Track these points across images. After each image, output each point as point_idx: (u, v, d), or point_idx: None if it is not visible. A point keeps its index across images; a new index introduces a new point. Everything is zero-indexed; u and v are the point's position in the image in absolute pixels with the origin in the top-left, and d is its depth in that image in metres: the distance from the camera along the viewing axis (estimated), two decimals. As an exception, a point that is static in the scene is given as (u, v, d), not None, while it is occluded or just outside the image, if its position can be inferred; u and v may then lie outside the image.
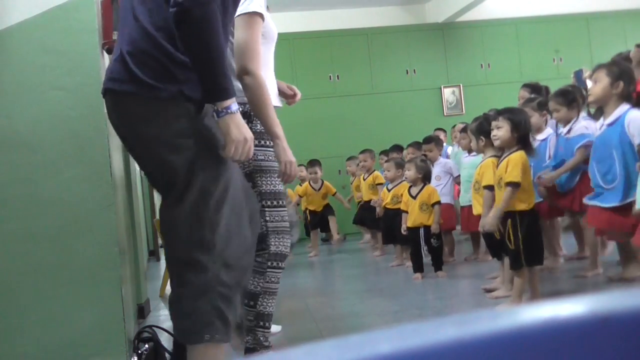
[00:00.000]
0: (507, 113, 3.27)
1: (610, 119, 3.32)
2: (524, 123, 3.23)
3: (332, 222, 6.81)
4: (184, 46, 1.63)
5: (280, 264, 2.55)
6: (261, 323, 2.56)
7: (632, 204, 3.16)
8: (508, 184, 3.10)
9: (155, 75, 1.67)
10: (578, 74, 4.71)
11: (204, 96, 1.68)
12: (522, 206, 3.13)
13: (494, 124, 3.29)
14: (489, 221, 3.20)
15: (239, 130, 1.68)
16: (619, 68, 3.36)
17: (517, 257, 3.12)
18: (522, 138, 3.21)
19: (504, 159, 3.22)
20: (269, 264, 2.52)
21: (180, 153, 1.69)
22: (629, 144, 3.23)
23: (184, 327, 1.71)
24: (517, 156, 3.15)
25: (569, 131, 3.81)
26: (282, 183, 2.54)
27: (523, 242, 3.10)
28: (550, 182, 3.79)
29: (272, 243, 2.52)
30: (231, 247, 1.73)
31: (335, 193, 6.82)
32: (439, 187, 4.92)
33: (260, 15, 2.39)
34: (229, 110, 1.67)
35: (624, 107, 3.28)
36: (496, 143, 3.27)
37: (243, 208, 1.80)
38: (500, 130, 3.22)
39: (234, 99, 1.70)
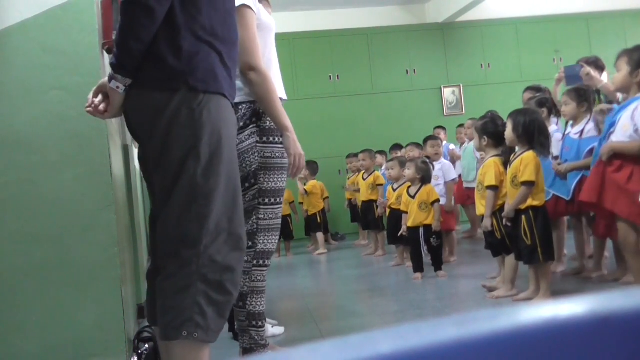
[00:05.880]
0: (513, 114, 3.34)
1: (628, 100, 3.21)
2: (525, 123, 3.25)
3: (320, 238, 6.83)
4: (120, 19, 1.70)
5: (265, 262, 2.54)
6: (253, 322, 2.55)
7: None
8: (524, 183, 3.19)
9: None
10: (573, 70, 3.94)
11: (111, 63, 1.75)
12: (534, 202, 3.22)
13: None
14: (505, 213, 3.30)
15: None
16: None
17: (533, 253, 3.19)
18: (527, 137, 3.25)
19: (516, 157, 3.31)
20: (255, 262, 2.51)
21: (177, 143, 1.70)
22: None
23: (165, 321, 1.66)
24: (529, 155, 3.24)
25: (581, 132, 3.75)
26: (291, 176, 2.53)
27: (539, 238, 3.18)
28: (566, 171, 3.74)
29: (260, 241, 2.51)
30: (218, 243, 1.70)
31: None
32: (437, 188, 4.93)
33: (249, 7, 2.38)
34: (110, 83, 1.71)
35: None
36: (507, 142, 3.42)
37: (237, 206, 1.78)
38: (506, 130, 3.37)
39: (124, 79, 1.70)
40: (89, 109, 1.78)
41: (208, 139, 1.70)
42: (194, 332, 1.63)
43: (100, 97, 1.78)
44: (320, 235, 6.78)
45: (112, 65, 1.73)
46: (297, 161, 2.41)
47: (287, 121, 2.40)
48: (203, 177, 1.69)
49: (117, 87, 1.72)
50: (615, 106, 3.49)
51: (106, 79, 1.76)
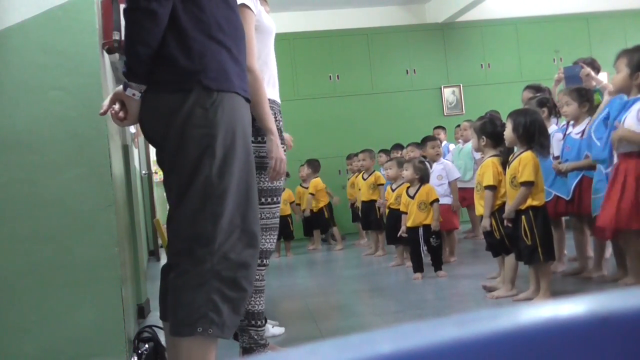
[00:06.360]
0: (513, 114, 3.35)
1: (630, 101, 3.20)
2: (525, 123, 3.25)
3: (336, 233, 7.04)
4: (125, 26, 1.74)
5: (264, 261, 2.54)
6: (252, 322, 2.55)
7: None
8: (523, 183, 3.20)
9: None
10: (573, 70, 3.90)
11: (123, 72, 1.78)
12: (534, 202, 3.22)
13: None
14: (506, 214, 3.30)
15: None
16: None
17: (533, 253, 3.19)
18: (527, 138, 3.25)
19: (515, 158, 3.31)
20: None
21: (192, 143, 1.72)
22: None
23: (178, 318, 1.68)
24: (527, 156, 3.25)
25: (582, 132, 3.73)
26: (269, 180, 2.52)
27: (539, 237, 3.18)
28: (567, 171, 3.72)
29: None
30: (232, 240, 1.72)
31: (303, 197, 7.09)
32: (441, 187, 4.93)
33: (248, 7, 2.38)
34: (126, 91, 1.74)
35: None
36: (507, 143, 3.43)
37: (251, 203, 1.79)
38: (506, 130, 3.36)
39: (139, 86, 1.73)
40: (112, 112, 1.79)
41: (222, 138, 1.72)
42: (208, 329, 1.65)
43: (117, 105, 1.80)
44: (336, 231, 7.00)
45: (124, 74, 1.75)
46: (278, 165, 2.41)
47: (272, 124, 2.41)
48: (218, 176, 1.71)
49: (134, 94, 1.74)
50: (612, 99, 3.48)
51: (121, 87, 1.77)
